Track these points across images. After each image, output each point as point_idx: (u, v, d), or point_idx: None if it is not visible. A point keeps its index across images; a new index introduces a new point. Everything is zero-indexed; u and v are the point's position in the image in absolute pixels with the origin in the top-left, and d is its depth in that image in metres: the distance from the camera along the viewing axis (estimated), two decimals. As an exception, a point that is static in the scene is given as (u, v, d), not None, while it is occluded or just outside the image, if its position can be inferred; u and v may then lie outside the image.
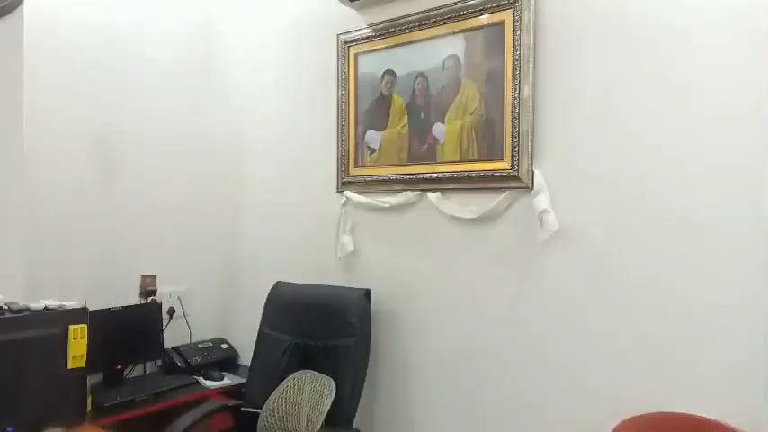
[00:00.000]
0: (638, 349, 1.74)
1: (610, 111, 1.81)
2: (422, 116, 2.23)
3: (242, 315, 2.83)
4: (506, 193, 2.00)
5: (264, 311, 2.40)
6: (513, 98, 1.97)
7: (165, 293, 2.65)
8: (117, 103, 2.52)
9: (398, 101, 2.29)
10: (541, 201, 1.90)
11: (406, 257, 2.28)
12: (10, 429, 1.50)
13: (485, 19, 2.06)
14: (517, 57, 1.96)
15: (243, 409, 2.21)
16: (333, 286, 2.34)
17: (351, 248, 2.41)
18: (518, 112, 1.96)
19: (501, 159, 2.02)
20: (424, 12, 2.19)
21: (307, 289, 2.37)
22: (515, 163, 1.97)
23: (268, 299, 2.40)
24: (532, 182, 1.94)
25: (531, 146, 1.94)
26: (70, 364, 1.87)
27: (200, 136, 2.83)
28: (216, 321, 2.87)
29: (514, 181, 1.98)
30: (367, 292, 2.24)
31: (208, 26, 2.87)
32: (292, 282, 2.43)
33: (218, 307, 2.90)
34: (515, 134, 1.97)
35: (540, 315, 1.94)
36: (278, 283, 2.44)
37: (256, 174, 2.86)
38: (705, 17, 1.64)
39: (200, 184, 2.83)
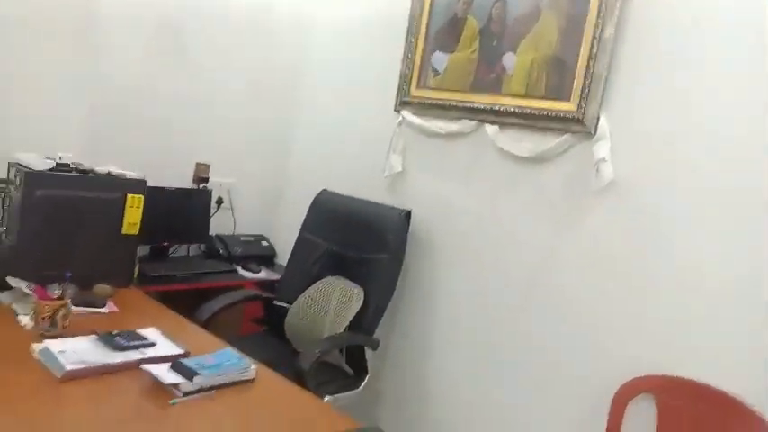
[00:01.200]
0: (665, 312, 1.72)
1: (688, 67, 1.71)
2: (494, 43, 2.16)
3: (284, 216, 2.93)
4: (567, 135, 1.95)
5: (307, 216, 2.47)
6: (594, 37, 1.88)
7: (216, 183, 2.75)
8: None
9: (472, 23, 2.21)
10: (601, 148, 1.85)
11: (452, 187, 2.28)
12: (68, 275, 1.64)
13: (579, -53, 1.93)
14: (606, -7, 1.85)
15: (274, 302, 2.33)
16: (375, 203, 2.37)
17: (399, 169, 2.42)
18: (596, 53, 1.87)
19: (568, 100, 1.95)
20: (515, -68, 2.07)
21: (350, 201, 2.42)
22: (582, 106, 1.90)
23: (312, 204, 2.47)
24: (596, 128, 1.88)
25: (603, 90, 1.87)
26: (124, 230, 2.00)
27: (264, 37, 2.81)
28: (259, 218, 2.98)
29: (577, 125, 1.92)
30: (408, 214, 2.27)
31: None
32: (337, 192, 2.48)
33: (263, 205, 2.99)
34: (588, 75, 1.89)
35: (572, 266, 1.93)
36: (323, 191, 2.50)
37: (317, 82, 2.86)
38: None
39: (261, 85, 2.84)
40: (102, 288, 1.91)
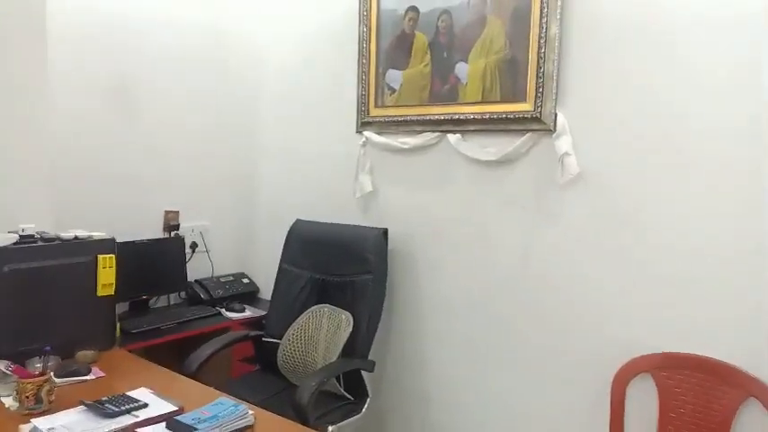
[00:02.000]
0: (653, 292, 1.76)
1: (637, 54, 1.76)
2: (445, 55, 2.19)
3: (262, 251, 2.90)
4: (528, 135, 1.98)
5: (284, 248, 2.45)
6: (540, 37, 1.92)
7: (188, 229, 2.72)
8: (136, 49, 2.50)
9: (421, 38, 2.24)
10: (563, 143, 1.88)
11: (424, 198, 2.30)
12: (47, 348, 1.59)
13: (513, -48, 1.98)
14: (545, -7, 1.90)
15: (263, 339, 2.31)
16: (351, 225, 2.37)
17: (369, 188, 2.43)
18: (544, 52, 1.92)
19: (524, 101, 1.99)
20: (449, -56, 2.12)
21: (325, 227, 2.41)
22: (539, 104, 1.94)
23: (288, 236, 2.46)
24: (555, 124, 1.92)
25: (556, 87, 1.91)
26: (100, 292, 1.96)
27: (217, 77, 2.80)
28: (237, 257, 2.95)
29: (537, 123, 1.96)
30: (385, 232, 2.28)
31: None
32: (312, 220, 2.47)
33: (238, 243, 2.97)
34: (540, 74, 1.93)
35: (556, 257, 1.96)
36: (297, 220, 2.49)
37: (275, 114, 2.86)
38: None
39: (220, 124, 2.83)
40: (84, 354, 1.86)
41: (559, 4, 1.87)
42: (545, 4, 1.90)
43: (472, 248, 2.17)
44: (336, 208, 2.52)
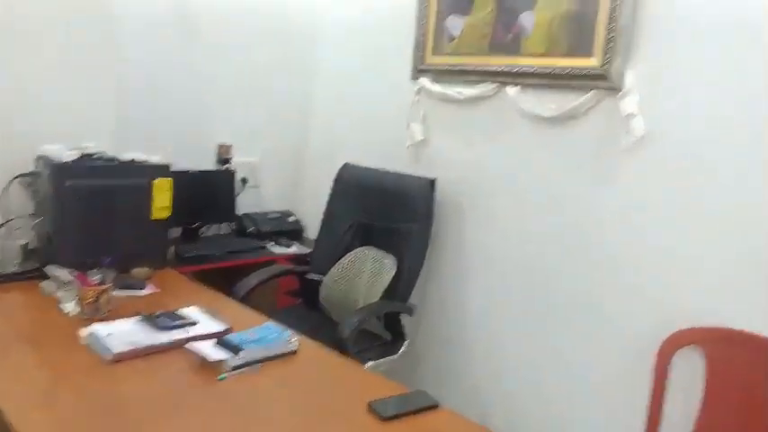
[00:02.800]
0: (713, 264, 1.70)
1: (717, 17, 1.65)
2: (510, 2, 2.11)
3: (310, 191, 2.95)
4: (592, 92, 1.92)
5: (332, 191, 2.48)
6: (616, -11, 1.83)
7: (240, 163, 2.77)
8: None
9: (488, -16, 2.17)
10: (629, 103, 1.81)
11: (477, 151, 2.27)
12: (107, 260, 1.68)
13: None
14: (627, -59, 1.79)
15: (308, 275, 2.37)
16: (399, 173, 2.37)
17: (420, 137, 2.41)
18: (617, 5, 1.82)
19: (591, 55, 1.91)
20: None
21: (374, 173, 2.42)
22: (607, 60, 1.86)
23: (336, 179, 2.48)
24: (622, 83, 1.84)
25: (628, 44, 1.82)
26: (155, 215, 2.04)
27: (278, 13, 2.80)
28: (285, 194, 3.00)
29: (603, 80, 1.88)
30: (432, 182, 2.27)
31: None
32: (361, 165, 2.48)
33: (287, 181, 3.02)
34: (611, 29, 1.85)
35: (614, 222, 1.90)
36: (346, 164, 2.50)
37: (332, 55, 2.85)
38: None
39: (278, 61, 2.85)
40: (140, 271, 1.96)
41: (641, -47, 1.77)
42: (624, -47, 1.80)
43: (523, 206, 2.14)
44: (386, 155, 2.52)
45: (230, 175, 2.71)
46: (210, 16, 2.57)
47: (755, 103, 1.61)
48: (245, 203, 2.82)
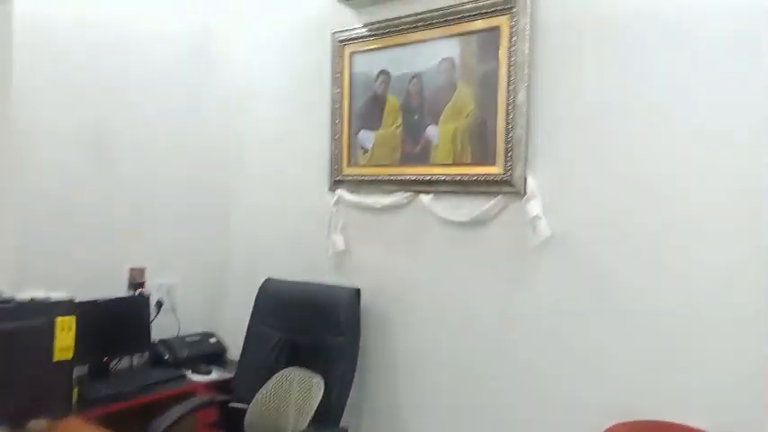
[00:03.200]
0: (630, 359, 1.76)
1: (606, 119, 1.82)
2: (416, 117, 2.24)
3: (231, 310, 2.83)
4: (499, 197, 2.02)
5: (254, 308, 2.40)
6: (508, 103, 1.99)
7: (154, 286, 2.64)
8: (113, 98, 2.48)
9: (393, 101, 2.29)
10: (533, 207, 1.92)
11: (397, 258, 2.29)
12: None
13: (480, 23, 2.06)
14: (513, 62, 1.97)
15: (230, 404, 2.22)
16: (323, 284, 2.34)
17: (341, 247, 2.42)
18: (512, 117, 1.98)
19: (494, 164, 2.03)
20: (419, 14, 2.20)
21: (297, 286, 2.38)
22: (508, 168, 1.99)
23: (258, 295, 2.41)
24: (525, 187, 1.95)
25: (525, 151, 1.96)
26: (56, 357, 1.86)
27: (194, 132, 2.80)
28: (204, 315, 2.86)
29: (507, 186, 1.99)
30: (357, 292, 2.25)
31: (206, 25, 2.85)
32: (283, 279, 2.43)
33: (207, 301, 2.89)
34: (509, 139, 1.99)
35: (530, 321, 1.96)
36: (268, 279, 2.45)
37: (249, 171, 2.85)
38: (711, 17, 1.64)
39: (194, 179, 2.81)
40: (37, 424, 1.75)
41: (526, 72, 1.94)
42: (512, 72, 1.97)
43: (446, 310, 2.16)
44: (309, 266, 2.50)
45: (144, 300, 2.57)
46: (122, 139, 2.53)
47: (645, 201, 1.75)
48: (162, 329, 2.65)
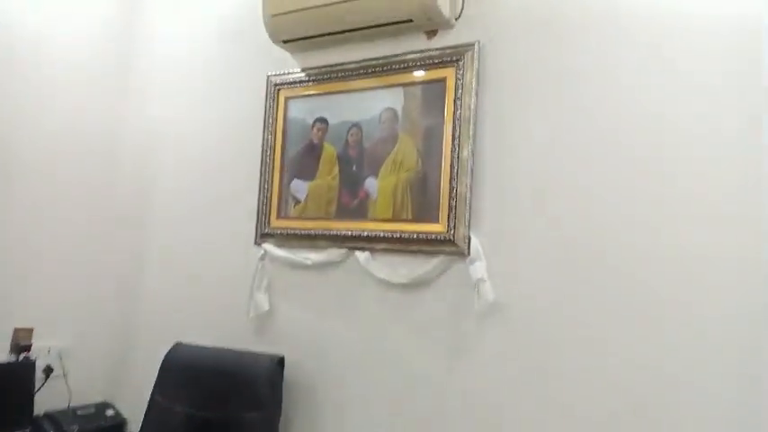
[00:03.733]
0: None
1: (555, 178, 1.73)
2: (354, 168, 2.08)
3: (134, 377, 2.46)
4: (441, 257, 1.86)
5: (159, 376, 2.09)
6: (452, 158, 1.86)
7: (43, 349, 2.27)
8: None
9: (330, 150, 2.13)
10: (478, 269, 1.77)
11: (328, 322, 2.06)
12: None
13: (425, 74, 1.96)
14: (458, 116, 1.87)
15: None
16: (241, 351, 2.07)
17: (265, 308, 2.16)
18: (456, 173, 1.85)
19: (437, 221, 1.88)
20: (361, 61, 2.08)
21: (210, 352, 2.09)
22: (451, 226, 1.84)
23: (164, 362, 2.10)
24: (469, 248, 1.81)
25: (469, 210, 1.82)
26: None
27: (99, 173, 2.52)
28: (102, 383, 2.49)
29: (450, 245, 1.84)
30: (280, 360, 2.00)
31: (128, 49, 2.64)
32: (195, 344, 2.14)
33: (105, 367, 2.51)
34: (453, 196, 1.85)
35: (475, 392, 1.77)
36: (177, 344, 2.15)
37: (164, 219, 2.54)
38: (663, 67, 1.61)
39: (95, 227, 2.50)
40: None
41: (472, 127, 1.84)
42: (457, 126, 1.86)
43: (383, 381, 1.92)
44: (226, 330, 2.22)
45: (28, 365, 2.19)
46: (9, 171, 2.21)
47: (593, 269, 1.64)
48: (50, 399, 2.27)
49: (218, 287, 2.32)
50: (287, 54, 2.24)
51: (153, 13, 2.69)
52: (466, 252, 1.81)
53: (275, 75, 2.26)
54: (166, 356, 2.10)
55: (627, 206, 1.61)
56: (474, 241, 1.81)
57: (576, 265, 1.67)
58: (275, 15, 2.10)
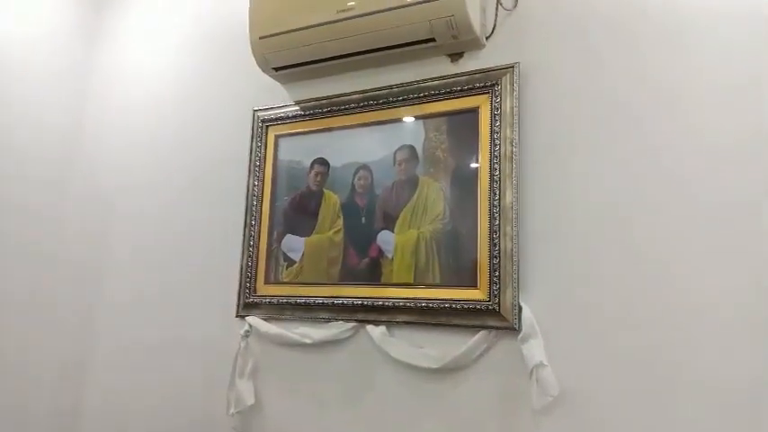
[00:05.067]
0: None
1: (622, 221, 1.35)
2: (363, 220, 1.67)
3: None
4: (482, 333, 1.44)
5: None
6: (491, 205, 1.48)
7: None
8: None
9: (332, 198, 1.73)
10: (534, 349, 1.35)
11: (331, 420, 1.60)
12: None
13: (452, 104, 1.60)
14: (496, 153, 1.50)
15: None
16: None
17: (250, 401, 1.69)
18: (499, 224, 1.46)
19: (474, 286, 1.47)
20: (369, 91, 1.71)
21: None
22: (495, 292, 1.43)
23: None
24: (519, 320, 1.40)
25: (517, 270, 1.42)
26: None
27: (39, 236, 2.08)
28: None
29: (493, 317, 1.43)
30: (271, 473, 1.52)
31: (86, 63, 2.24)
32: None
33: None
34: (494, 253, 1.45)
35: None
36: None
37: (120, 289, 2.06)
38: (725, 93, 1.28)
39: (31, 297, 2.04)
40: None
41: (515, 166, 1.46)
42: (495, 166, 1.49)
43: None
44: (199, 430, 1.72)
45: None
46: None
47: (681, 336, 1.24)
48: None
49: (189, 375, 1.83)
50: (277, 84, 1.87)
51: (116, 50, 2.30)
52: (515, 326, 1.40)
53: (263, 109, 1.88)
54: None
55: (699, 269, 1.24)
56: (526, 311, 1.40)
57: (655, 337, 1.27)
58: (263, 37, 1.73)
